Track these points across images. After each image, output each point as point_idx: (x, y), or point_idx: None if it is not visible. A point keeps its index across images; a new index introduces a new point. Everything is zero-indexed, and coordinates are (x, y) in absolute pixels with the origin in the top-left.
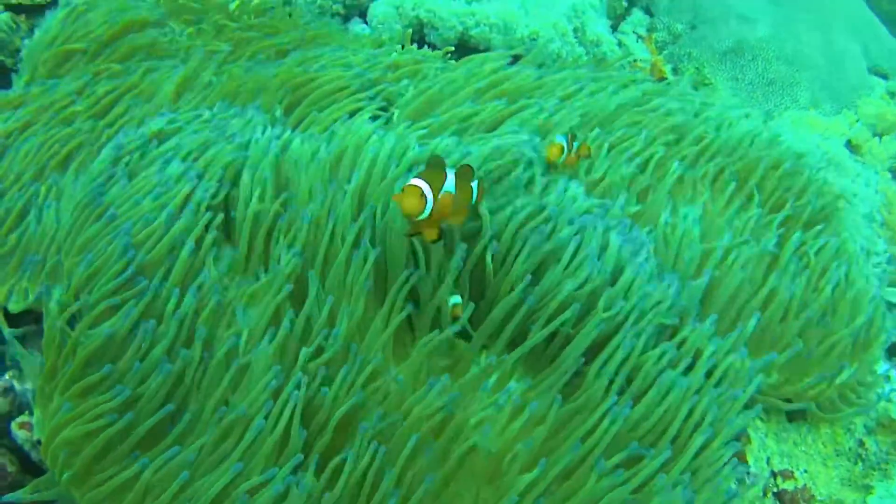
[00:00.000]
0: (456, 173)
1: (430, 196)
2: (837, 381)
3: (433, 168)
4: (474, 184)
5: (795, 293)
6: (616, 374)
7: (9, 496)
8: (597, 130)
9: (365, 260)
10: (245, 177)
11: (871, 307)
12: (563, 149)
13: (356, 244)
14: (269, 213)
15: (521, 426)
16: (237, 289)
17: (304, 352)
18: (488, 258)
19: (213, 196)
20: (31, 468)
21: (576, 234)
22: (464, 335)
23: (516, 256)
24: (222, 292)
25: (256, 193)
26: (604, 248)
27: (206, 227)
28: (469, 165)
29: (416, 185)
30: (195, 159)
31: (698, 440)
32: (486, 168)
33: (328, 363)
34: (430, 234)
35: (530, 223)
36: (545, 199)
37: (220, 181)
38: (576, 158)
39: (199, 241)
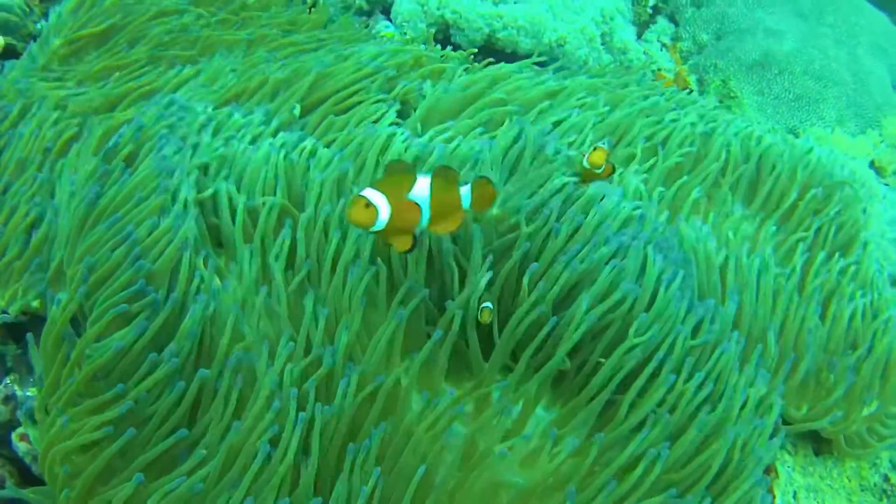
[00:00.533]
0: (434, 176)
1: (381, 205)
2: (864, 413)
3: (394, 173)
4: (465, 188)
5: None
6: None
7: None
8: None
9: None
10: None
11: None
12: (606, 156)
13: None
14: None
15: (556, 464)
16: (240, 298)
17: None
18: (525, 282)
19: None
20: (31, 480)
21: (614, 257)
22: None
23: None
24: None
25: (267, 205)
26: (642, 268)
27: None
28: (449, 167)
29: (361, 196)
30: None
31: (742, 487)
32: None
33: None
34: (400, 244)
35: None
36: (582, 208)
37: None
38: (611, 169)
39: (201, 251)
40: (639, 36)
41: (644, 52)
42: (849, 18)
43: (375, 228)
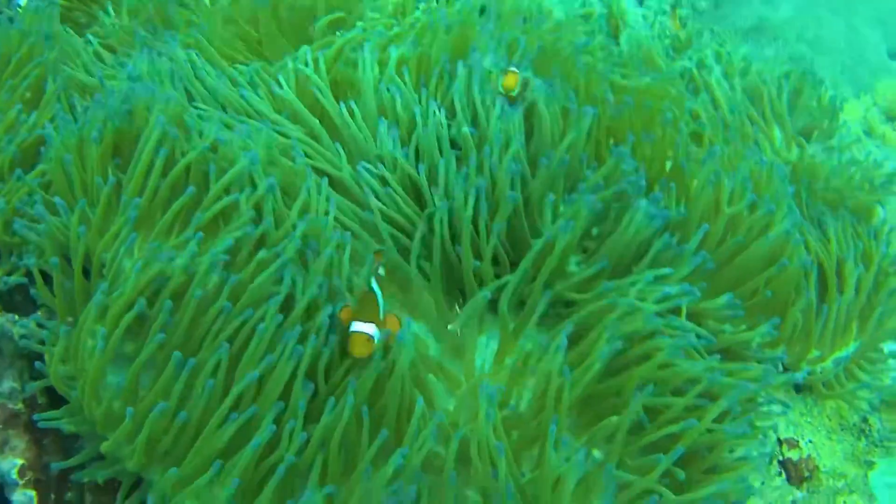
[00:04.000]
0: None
1: (376, 337)
2: (840, 355)
3: (368, 302)
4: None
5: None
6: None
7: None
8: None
9: None
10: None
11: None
12: (517, 79)
13: None
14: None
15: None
16: None
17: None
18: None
19: None
20: None
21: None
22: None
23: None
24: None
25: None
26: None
27: None
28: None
29: (362, 333)
30: None
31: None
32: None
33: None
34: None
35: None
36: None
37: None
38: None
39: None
40: (640, 3)
41: (643, 18)
42: None
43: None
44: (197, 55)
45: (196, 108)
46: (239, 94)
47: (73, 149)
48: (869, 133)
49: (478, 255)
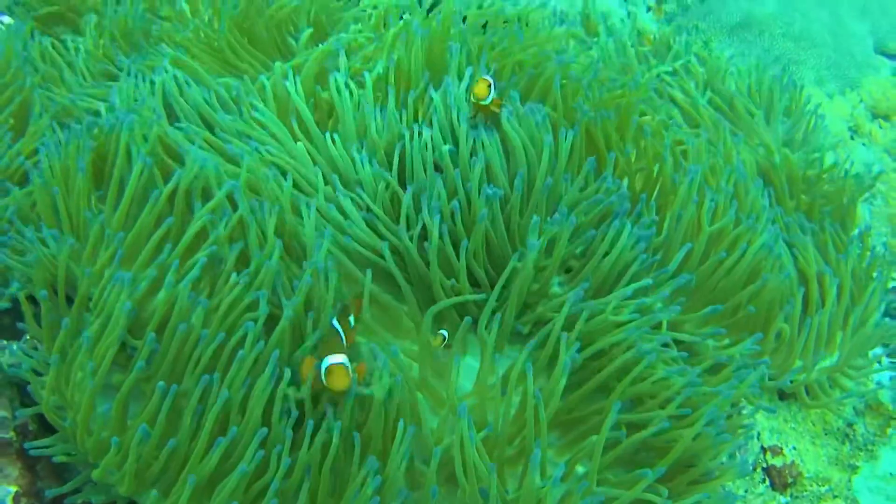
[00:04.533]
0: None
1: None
2: (824, 365)
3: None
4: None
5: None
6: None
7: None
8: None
9: None
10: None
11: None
12: (489, 87)
13: None
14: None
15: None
16: None
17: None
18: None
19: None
20: None
21: None
22: None
23: None
24: None
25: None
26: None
27: None
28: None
29: (342, 365)
30: None
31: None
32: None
33: None
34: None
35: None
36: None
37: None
38: (499, 102)
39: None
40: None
41: (628, 14)
42: None
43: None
44: (181, 74)
45: (179, 128)
46: (220, 117)
47: (59, 178)
48: (855, 131)
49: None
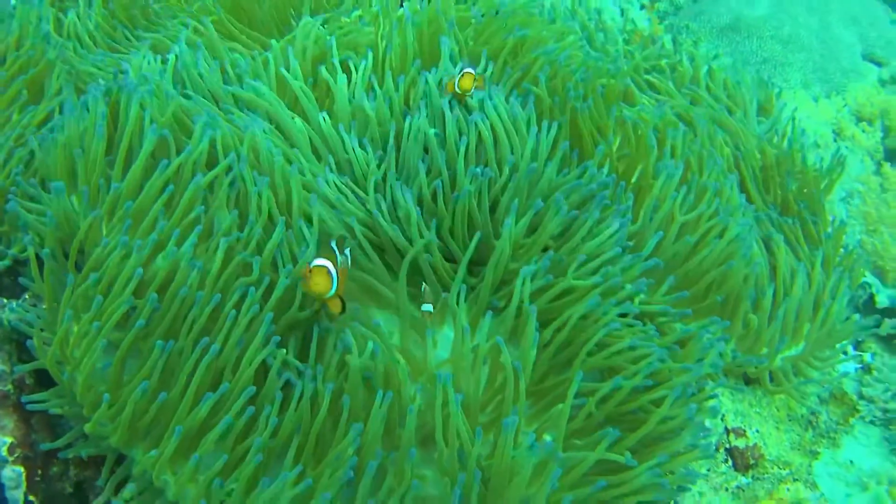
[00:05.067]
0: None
1: (334, 274)
2: (789, 353)
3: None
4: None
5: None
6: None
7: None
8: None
9: None
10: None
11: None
12: (475, 79)
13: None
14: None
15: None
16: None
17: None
18: None
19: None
20: None
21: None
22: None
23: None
24: None
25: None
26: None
27: None
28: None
29: (321, 266)
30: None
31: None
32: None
33: None
34: (334, 306)
35: None
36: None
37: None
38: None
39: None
40: None
41: (621, 12)
42: None
43: (329, 295)
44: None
45: (187, 95)
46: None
47: (75, 140)
48: (839, 134)
49: (446, 256)
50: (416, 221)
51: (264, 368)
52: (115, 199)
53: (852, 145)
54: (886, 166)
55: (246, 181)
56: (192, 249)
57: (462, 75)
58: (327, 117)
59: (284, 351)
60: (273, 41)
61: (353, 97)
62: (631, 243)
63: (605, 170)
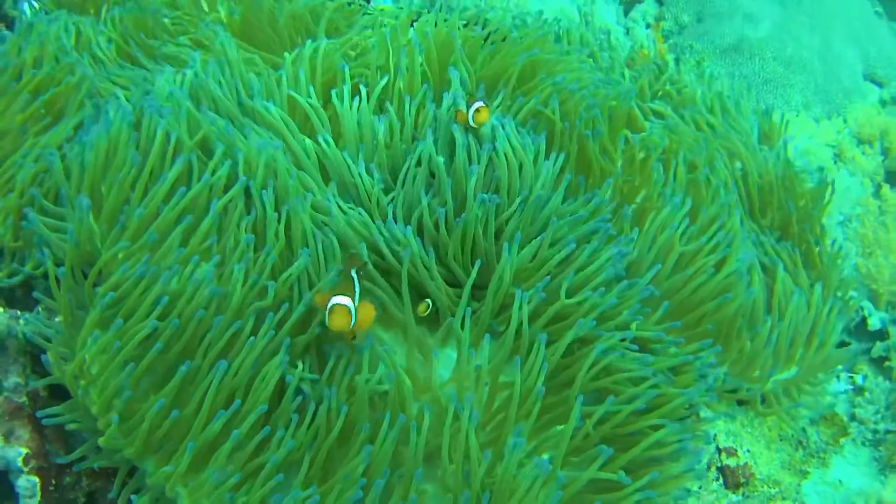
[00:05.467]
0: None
1: (352, 310)
2: (781, 377)
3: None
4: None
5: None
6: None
7: (46, 411)
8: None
9: None
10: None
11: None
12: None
13: None
14: None
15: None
16: None
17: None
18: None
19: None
20: None
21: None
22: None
23: None
24: None
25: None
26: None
27: None
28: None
29: (343, 305)
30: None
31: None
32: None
33: None
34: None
35: None
36: None
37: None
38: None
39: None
40: (625, 14)
41: (626, 31)
42: (826, 6)
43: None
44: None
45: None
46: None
47: (102, 160)
48: (839, 156)
49: (450, 282)
50: (417, 253)
51: (279, 387)
52: (138, 224)
53: (853, 167)
54: (886, 188)
55: (266, 207)
56: (211, 272)
57: (476, 109)
58: (329, 139)
59: (301, 368)
60: (286, 55)
61: (361, 120)
62: (624, 273)
63: (609, 197)
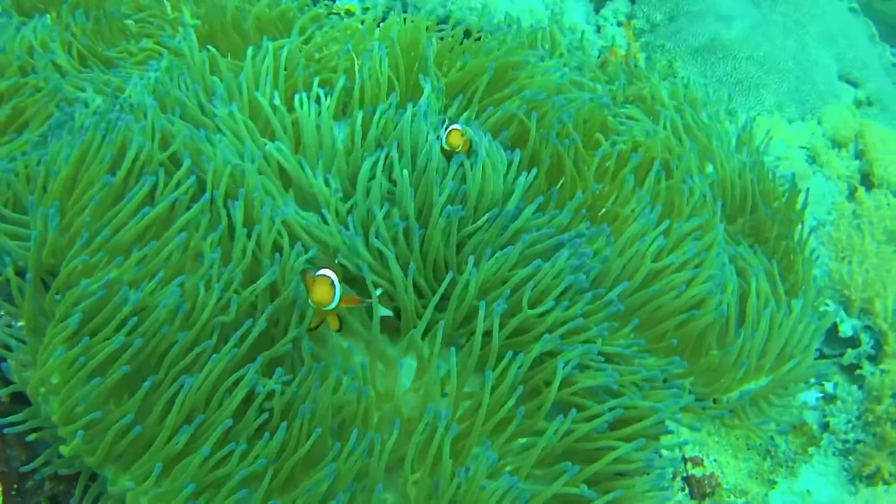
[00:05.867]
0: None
1: (337, 286)
2: (749, 388)
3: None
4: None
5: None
6: None
7: (8, 419)
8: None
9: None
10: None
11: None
12: (462, 135)
13: None
14: None
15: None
16: None
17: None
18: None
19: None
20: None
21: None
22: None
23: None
24: None
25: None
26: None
27: None
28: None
29: (325, 276)
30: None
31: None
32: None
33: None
34: (334, 322)
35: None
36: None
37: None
38: (468, 145)
39: None
40: (596, 11)
41: (597, 29)
42: (802, 7)
43: (330, 307)
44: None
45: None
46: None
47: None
48: (813, 160)
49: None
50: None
51: (246, 400)
52: (103, 242)
53: (827, 170)
54: (860, 191)
55: (234, 222)
56: (177, 291)
57: (449, 132)
58: (283, 147)
59: (264, 382)
60: (248, 53)
61: (321, 126)
62: (585, 283)
63: (579, 205)
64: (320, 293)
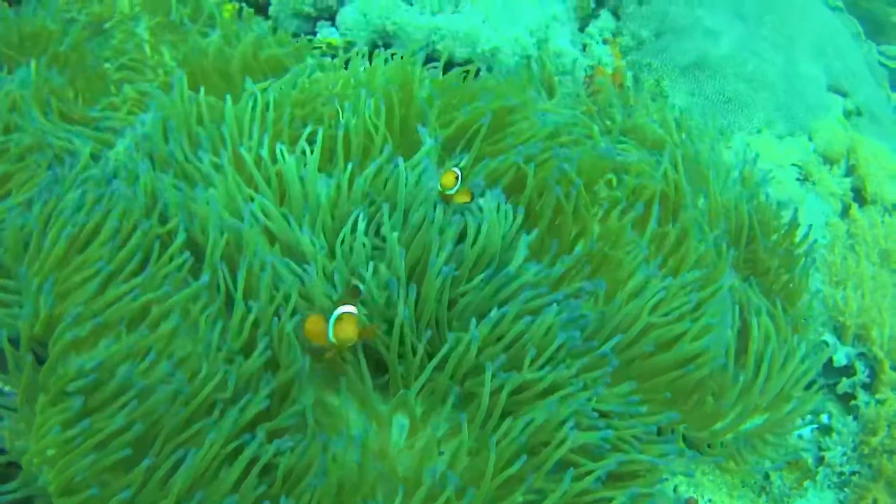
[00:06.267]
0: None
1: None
2: (745, 428)
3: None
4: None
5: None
6: None
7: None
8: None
9: None
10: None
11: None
12: (457, 178)
13: None
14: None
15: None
16: None
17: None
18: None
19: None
20: None
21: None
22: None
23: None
24: None
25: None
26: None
27: None
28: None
29: (351, 314)
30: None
31: None
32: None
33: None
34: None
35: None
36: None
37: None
38: (468, 194)
39: None
40: (581, 29)
41: (583, 48)
42: (789, 20)
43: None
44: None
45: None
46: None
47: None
48: (805, 178)
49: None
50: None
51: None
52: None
53: (820, 189)
54: (854, 208)
55: (235, 298)
56: (183, 379)
57: (444, 173)
58: (268, 203)
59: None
60: (227, 107)
61: (306, 178)
62: (578, 341)
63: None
64: (348, 331)
